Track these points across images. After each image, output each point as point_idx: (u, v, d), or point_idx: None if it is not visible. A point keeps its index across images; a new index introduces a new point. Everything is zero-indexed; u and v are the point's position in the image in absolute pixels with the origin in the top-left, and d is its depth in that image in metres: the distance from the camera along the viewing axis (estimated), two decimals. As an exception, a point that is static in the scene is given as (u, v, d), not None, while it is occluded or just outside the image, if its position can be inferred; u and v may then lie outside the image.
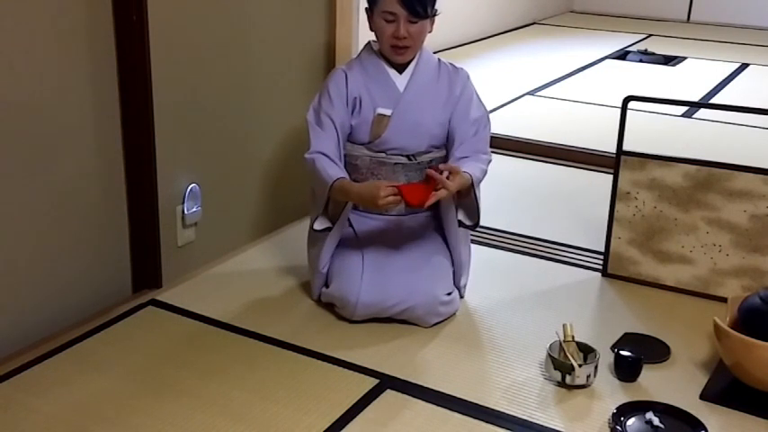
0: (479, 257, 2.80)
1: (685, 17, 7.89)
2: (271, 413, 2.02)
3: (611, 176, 2.75)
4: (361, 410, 2.04)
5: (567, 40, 6.74)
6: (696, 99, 4.95)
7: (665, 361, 2.30)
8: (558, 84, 5.26)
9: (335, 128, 2.43)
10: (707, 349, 2.36)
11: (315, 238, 2.51)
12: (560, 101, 4.87)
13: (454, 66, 2.55)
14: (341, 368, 2.22)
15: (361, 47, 2.58)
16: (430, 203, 2.28)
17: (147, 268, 2.59)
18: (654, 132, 4.13)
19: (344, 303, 2.40)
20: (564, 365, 2.14)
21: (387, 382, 2.16)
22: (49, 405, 2.03)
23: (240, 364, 2.22)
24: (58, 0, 2.20)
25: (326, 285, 2.49)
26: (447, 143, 2.52)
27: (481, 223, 2.48)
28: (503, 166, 3.75)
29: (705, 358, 2.32)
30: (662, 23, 7.72)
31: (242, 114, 2.82)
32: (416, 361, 2.27)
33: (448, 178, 2.26)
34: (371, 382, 2.16)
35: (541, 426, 2.02)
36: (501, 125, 4.16)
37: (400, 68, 2.49)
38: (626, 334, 2.42)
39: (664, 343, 2.38)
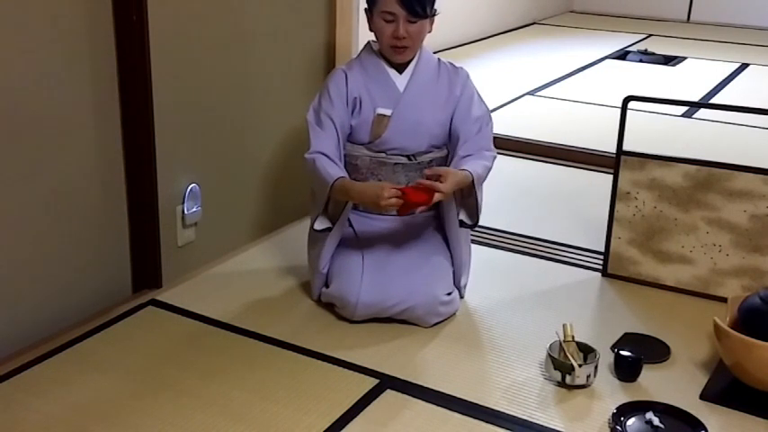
0: (479, 257, 2.80)
1: (685, 17, 7.89)
2: (271, 413, 2.02)
3: (611, 176, 2.75)
4: (361, 410, 2.04)
5: (567, 40, 6.74)
6: (696, 99, 4.95)
7: (665, 361, 2.30)
8: (558, 84, 5.26)
9: (335, 128, 2.43)
10: (707, 349, 2.36)
11: (315, 238, 2.51)
12: (560, 101, 4.87)
13: (454, 65, 2.55)
14: (341, 368, 2.22)
15: (361, 47, 2.58)
16: (432, 203, 2.28)
17: (147, 268, 2.59)
18: (654, 132, 4.13)
19: (344, 303, 2.40)
20: (564, 365, 2.14)
21: (387, 382, 2.16)
22: (49, 405, 2.03)
23: (240, 364, 2.22)
24: (58, 0, 2.20)
25: (326, 285, 2.49)
26: (450, 142, 2.52)
27: (481, 223, 2.49)
28: (503, 166, 3.73)
29: (705, 358, 2.32)
30: (662, 23, 7.72)
31: (242, 114, 2.82)
32: (416, 361, 2.27)
33: (439, 181, 2.26)
34: (371, 382, 2.16)
35: (541, 426, 2.02)
36: (501, 125, 4.14)
37: (400, 68, 2.49)
38: (626, 334, 2.42)
39: (664, 343, 2.38)
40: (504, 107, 4.67)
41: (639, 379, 2.20)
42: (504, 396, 2.13)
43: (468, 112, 2.48)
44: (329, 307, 2.50)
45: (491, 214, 3.18)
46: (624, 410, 2.04)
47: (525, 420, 2.03)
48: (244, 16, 2.74)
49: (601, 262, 2.82)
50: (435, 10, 2.43)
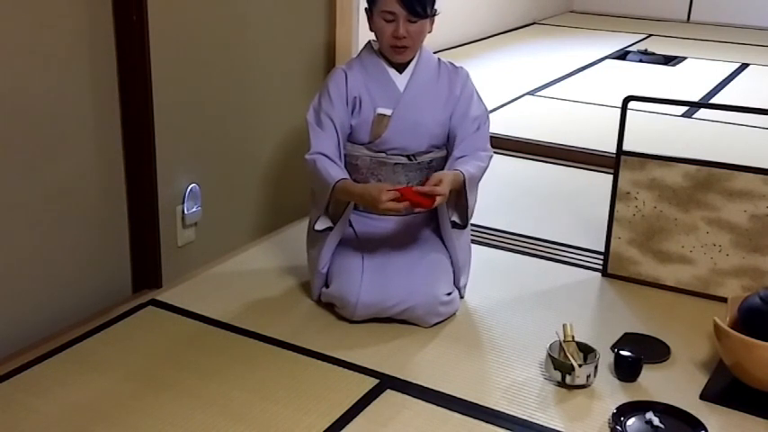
0: (479, 257, 2.80)
1: (685, 17, 7.89)
2: (271, 413, 2.02)
3: (611, 176, 2.75)
4: (361, 410, 2.04)
5: (567, 40, 6.74)
6: (696, 99, 4.95)
7: (665, 361, 2.30)
8: (558, 84, 5.26)
9: (335, 128, 2.43)
10: (707, 349, 2.36)
11: (315, 238, 2.51)
12: (560, 101, 4.87)
13: (454, 65, 2.55)
14: (341, 368, 2.22)
15: (361, 47, 2.58)
16: (433, 206, 2.29)
17: (147, 268, 2.59)
18: (654, 132, 4.13)
19: (344, 303, 2.40)
20: (564, 365, 2.14)
21: (387, 382, 2.16)
22: (49, 405, 2.03)
23: (240, 364, 2.22)
24: (58, 0, 2.20)
25: (326, 285, 2.49)
26: (448, 142, 2.52)
27: (481, 223, 2.49)
28: (503, 166, 3.75)
29: (705, 358, 2.32)
30: (662, 23, 7.72)
31: (242, 114, 2.82)
32: (416, 361, 2.27)
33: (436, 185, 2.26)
34: (371, 382, 2.16)
35: (541, 426, 2.02)
36: (501, 125, 4.16)
37: (400, 68, 2.49)
38: (626, 334, 2.42)
39: (664, 343, 2.38)
40: (504, 107, 4.67)
41: (639, 379, 2.20)
42: (504, 396, 2.13)
43: (467, 111, 2.49)
44: (329, 307, 2.50)
45: (491, 214, 3.19)
46: (624, 410, 2.04)
47: (525, 420, 2.03)
48: (244, 16, 2.74)
49: (601, 262, 2.82)
50: (435, 10, 2.43)
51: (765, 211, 2.53)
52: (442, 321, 2.46)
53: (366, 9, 2.45)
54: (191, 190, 2.65)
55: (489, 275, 2.77)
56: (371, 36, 2.50)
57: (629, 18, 7.90)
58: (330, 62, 3.14)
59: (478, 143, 2.48)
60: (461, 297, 2.58)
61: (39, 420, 1.98)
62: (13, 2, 2.09)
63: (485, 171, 2.47)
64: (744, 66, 5.90)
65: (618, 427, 1.99)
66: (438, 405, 2.07)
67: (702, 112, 4.60)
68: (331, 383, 2.15)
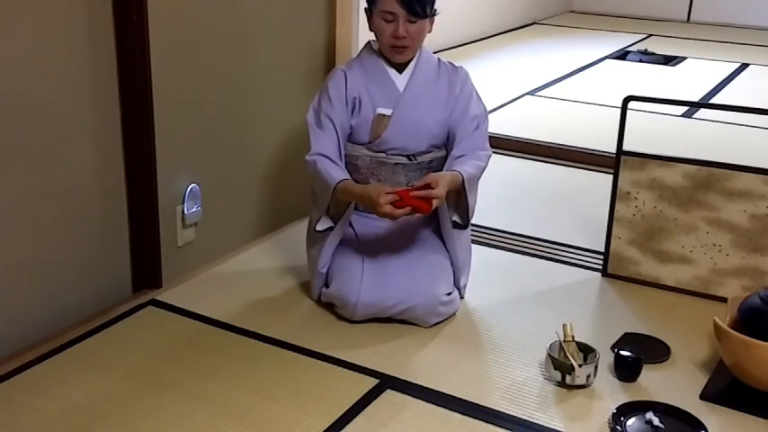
0: (479, 257, 2.80)
1: (685, 17, 7.89)
2: (271, 413, 2.02)
3: (611, 176, 2.75)
4: (361, 410, 2.04)
5: (567, 40, 6.74)
6: (696, 99, 4.95)
7: (665, 361, 2.30)
8: (558, 84, 5.26)
9: (335, 129, 2.43)
10: (707, 349, 2.36)
11: (315, 238, 2.51)
12: (560, 101, 4.87)
13: (453, 65, 2.55)
14: (341, 368, 2.22)
15: (361, 47, 2.58)
16: (432, 210, 2.28)
17: (147, 268, 2.59)
18: (654, 132, 4.13)
19: (344, 303, 2.40)
20: (564, 365, 2.14)
21: (387, 382, 2.16)
22: (49, 405, 2.03)
23: (240, 364, 2.22)
24: (58, 0, 2.20)
25: (326, 285, 2.49)
26: (447, 141, 2.52)
27: (481, 223, 2.49)
28: (503, 166, 3.76)
29: (705, 358, 2.32)
30: (662, 23, 7.72)
31: (242, 114, 2.82)
32: (416, 361, 2.27)
33: (431, 187, 2.26)
34: (371, 382, 2.16)
35: (541, 426, 2.02)
36: (501, 125, 4.15)
37: (400, 68, 2.49)
38: (626, 334, 2.42)
39: (664, 343, 2.38)
40: (504, 107, 4.67)
41: (639, 379, 2.20)
42: (504, 396, 2.13)
43: (467, 110, 2.49)
44: (329, 307, 2.50)
45: (491, 214, 3.19)
46: (624, 410, 2.04)
47: (525, 420, 2.03)
48: (244, 16, 2.74)
49: (601, 262, 2.82)
50: (435, 10, 2.43)
51: (765, 211, 2.53)
52: (442, 321, 2.46)
53: (366, 9, 2.45)
54: (191, 190, 2.65)
55: (489, 275, 2.77)
56: (371, 36, 2.50)
57: (629, 18, 7.90)
58: (330, 62, 3.15)
59: (477, 142, 2.48)
60: (461, 297, 2.58)
61: (39, 420, 1.98)
62: (13, 2, 2.09)
63: (483, 170, 2.47)
64: (744, 66, 5.90)
65: (618, 427, 1.99)
66: (438, 405, 2.07)
67: (702, 112, 4.60)
68: (331, 383, 2.15)
